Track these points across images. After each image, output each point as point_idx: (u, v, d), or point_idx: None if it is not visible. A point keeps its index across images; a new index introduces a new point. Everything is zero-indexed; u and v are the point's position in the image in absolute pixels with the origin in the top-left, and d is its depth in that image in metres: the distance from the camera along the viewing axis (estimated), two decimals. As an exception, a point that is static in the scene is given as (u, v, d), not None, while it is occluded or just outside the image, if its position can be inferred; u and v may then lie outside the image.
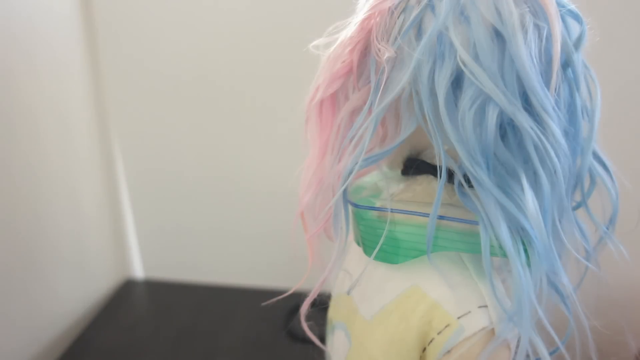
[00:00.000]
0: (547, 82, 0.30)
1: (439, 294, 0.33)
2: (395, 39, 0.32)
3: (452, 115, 0.30)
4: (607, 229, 0.35)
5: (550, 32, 0.29)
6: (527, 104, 0.29)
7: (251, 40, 0.79)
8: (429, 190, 0.36)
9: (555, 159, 0.30)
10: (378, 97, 0.32)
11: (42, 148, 0.73)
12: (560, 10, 0.30)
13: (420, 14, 0.31)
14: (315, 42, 0.38)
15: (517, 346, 0.31)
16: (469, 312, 0.32)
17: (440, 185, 0.32)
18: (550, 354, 0.31)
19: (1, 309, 0.67)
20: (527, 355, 0.31)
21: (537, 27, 0.29)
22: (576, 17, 0.31)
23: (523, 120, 0.29)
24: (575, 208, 0.36)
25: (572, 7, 0.31)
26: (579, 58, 0.31)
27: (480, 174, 0.30)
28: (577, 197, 0.36)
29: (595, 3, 0.35)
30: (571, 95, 0.30)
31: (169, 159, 0.91)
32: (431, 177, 0.36)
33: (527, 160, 0.31)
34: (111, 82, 0.87)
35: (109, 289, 0.95)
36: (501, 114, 0.29)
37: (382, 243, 0.35)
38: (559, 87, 0.30)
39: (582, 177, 0.34)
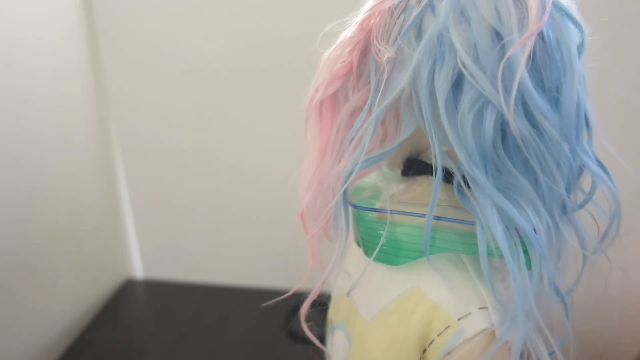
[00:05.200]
0: (542, 85, 0.30)
1: (440, 296, 0.33)
2: (395, 39, 0.32)
3: (452, 116, 0.30)
4: (610, 229, 0.35)
5: (546, 35, 0.29)
6: (525, 107, 0.29)
7: (252, 38, 0.79)
8: (429, 191, 0.36)
9: (552, 163, 0.30)
10: (378, 97, 0.32)
11: (42, 148, 0.73)
12: (559, 14, 0.30)
13: (421, 14, 0.31)
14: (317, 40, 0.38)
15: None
16: (470, 313, 0.32)
17: (435, 186, 0.31)
18: (549, 354, 0.31)
19: (1, 308, 0.67)
20: (528, 357, 0.31)
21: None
22: (576, 24, 0.31)
23: (520, 124, 0.29)
24: (575, 209, 0.35)
25: (572, 11, 0.31)
26: (579, 62, 0.31)
27: (478, 176, 0.30)
28: (579, 198, 0.36)
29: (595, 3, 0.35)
30: (570, 97, 0.30)
31: (170, 159, 0.90)
32: (431, 177, 0.36)
33: (526, 163, 0.31)
34: (112, 81, 0.87)
35: (109, 289, 0.95)
36: (500, 116, 0.29)
37: (382, 244, 0.35)
38: (560, 87, 0.30)
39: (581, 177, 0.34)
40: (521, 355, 0.31)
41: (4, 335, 0.68)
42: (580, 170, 0.33)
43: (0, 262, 0.66)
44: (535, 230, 0.30)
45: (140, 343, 0.81)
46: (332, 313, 0.45)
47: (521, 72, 0.28)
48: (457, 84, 0.30)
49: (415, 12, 0.31)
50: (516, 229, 0.31)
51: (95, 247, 0.90)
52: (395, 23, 0.32)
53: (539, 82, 0.30)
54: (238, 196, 0.91)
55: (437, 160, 0.31)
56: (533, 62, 0.29)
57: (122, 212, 0.98)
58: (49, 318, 0.78)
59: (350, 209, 0.37)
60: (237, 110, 0.85)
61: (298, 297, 0.39)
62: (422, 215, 0.33)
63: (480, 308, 0.32)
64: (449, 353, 0.32)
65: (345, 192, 0.35)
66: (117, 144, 0.92)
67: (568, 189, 0.32)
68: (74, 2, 0.79)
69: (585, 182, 0.34)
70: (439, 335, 0.32)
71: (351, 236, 0.38)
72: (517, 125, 0.29)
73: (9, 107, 0.66)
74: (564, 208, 0.33)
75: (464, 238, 0.33)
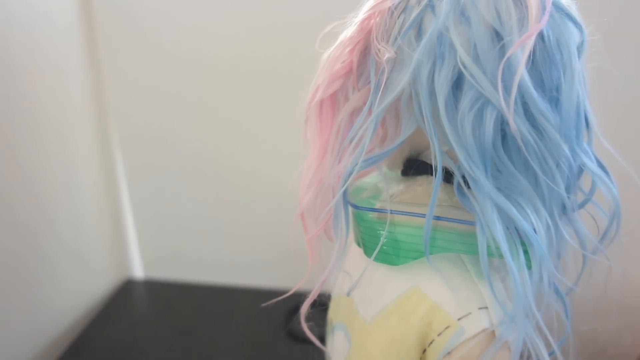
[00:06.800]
0: (542, 85, 0.30)
1: (439, 296, 0.33)
2: (395, 39, 0.32)
3: (452, 116, 0.30)
4: (610, 229, 0.35)
5: (546, 35, 0.29)
6: (525, 107, 0.29)
7: (252, 39, 0.79)
8: (429, 191, 0.36)
9: (552, 163, 0.30)
10: (378, 97, 0.32)
11: (42, 148, 0.73)
12: (559, 14, 0.30)
13: (421, 14, 0.31)
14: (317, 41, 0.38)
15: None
16: (469, 313, 0.32)
17: (435, 186, 0.31)
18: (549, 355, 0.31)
19: (2, 308, 0.67)
20: (528, 357, 0.31)
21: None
22: (576, 24, 0.31)
23: (520, 124, 0.29)
24: (575, 209, 0.35)
25: (572, 11, 0.31)
26: (579, 62, 0.31)
27: (478, 176, 0.30)
28: (579, 198, 0.36)
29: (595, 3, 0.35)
30: (570, 97, 0.30)
31: (170, 159, 0.90)
32: (431, 177, 0.36)
33: (526, 163, 0.31)
34: (111, 81, 0.87)
35: (109, 288, 0.95)
36: (500, 116, 0.29)
37: (382, 244, 0.35)
38: (560, 87, 0.30)
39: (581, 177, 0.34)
40: (521, 356, 0.31)
41: (4, 335, 0.68)
42: (580, 170, 0.33)
43: (0, 262, 0.66)
44: (535, 230, 0.30)
45: (140, 343, 0.81)
46: (332, 313, 0.45)
47: (521, 72, 0.28)
48: (457, 84, 0.30)
49: (415, 12, 0.31)
50: (516, 229, 0.31)
51: (95, 247, 0.90)
52: (395, 23, 0.32)
53: (539, 82, 0.30)
54: (238, 196, 0.91)
55: (437, 160, 0.31)
56: (533, 62, 0.29)
57: (122, 212, 0.98)
58: (49, 318, 0.78)
59: (350, 209, 0.37)
60: (238, 111, 0.85)
61: (298, 297, 0.39)
62: (422, 215, 0.33)
63: (480, 308, 0.32)
64: (449, 353, 0.32)
65: (345, 192, 0.35)
66: (117, 143, 0.92)
67: (568, 189, 0.32)
68: (74, 1, 0.79)
69: (585, 182, 0.34)
70: (439, 335, 0.32)
71: (351, 236, 0.38)
72: (517, 125, 0.29)
73: (7, 107, 0.66)
74: (564, 208, 0.33)
75: (464, 238, 0.33)
